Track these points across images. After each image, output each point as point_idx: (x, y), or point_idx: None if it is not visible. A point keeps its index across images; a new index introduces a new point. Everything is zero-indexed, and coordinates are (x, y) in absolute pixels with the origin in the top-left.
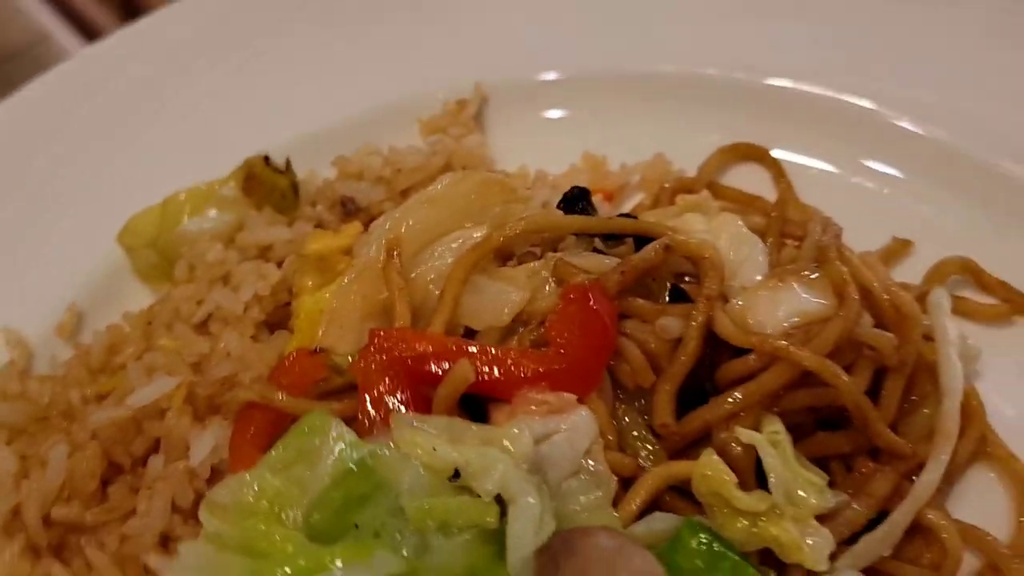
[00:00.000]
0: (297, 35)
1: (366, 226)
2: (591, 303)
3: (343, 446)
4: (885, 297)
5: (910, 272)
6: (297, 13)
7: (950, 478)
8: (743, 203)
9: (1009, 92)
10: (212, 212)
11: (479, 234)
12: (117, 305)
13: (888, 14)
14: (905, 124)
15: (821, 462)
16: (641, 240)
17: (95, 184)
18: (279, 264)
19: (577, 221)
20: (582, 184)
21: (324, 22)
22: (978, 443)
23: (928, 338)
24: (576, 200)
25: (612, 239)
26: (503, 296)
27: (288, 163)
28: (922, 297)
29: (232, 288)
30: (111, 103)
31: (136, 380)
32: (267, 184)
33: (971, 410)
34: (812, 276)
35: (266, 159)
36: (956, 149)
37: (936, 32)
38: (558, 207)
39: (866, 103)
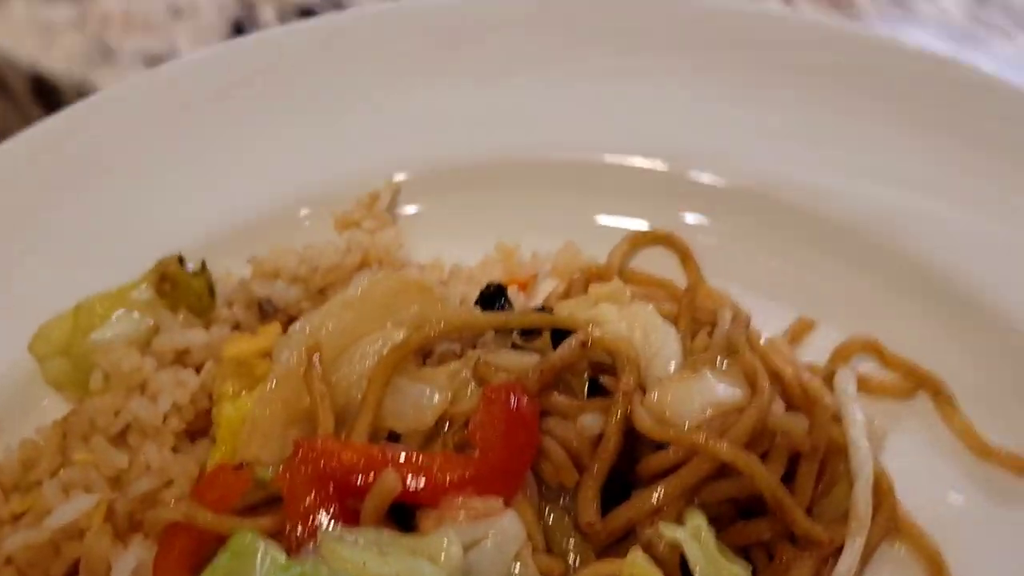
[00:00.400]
0: (204, 133)
1: (284, 327)
2: (512, 405)
3: (272, 568)
4: (795, 382)
5: (816, 349)
6: (203, 112)
7: (865, 558)
8: (654, 287)
9: (909, 178)
10: (126, 317)
11: (398, 335)
12: (31, 417)
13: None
14: (804, 204)
15: (743, 549)
16: (558, 332)
17: (2, 290)
18: (197, 369)
19: (495, 318)
20: (496, 275)
21: (231, 120)
22: (890, 522)
23: (837, 419)
24: (493, 297)
25: (529, 333)
26: (425, 398)
27: (203, 264)
28: (829, 377)
29: (150, 397)
30: (16, 206)
31: (53, 498)
32: (182, 285)
33: (881, 490)
34: (724, 366)
35: (180, 259)
36: (854, 228)
37: (831, 115)
38: (476, 304)
39: (772, 184)
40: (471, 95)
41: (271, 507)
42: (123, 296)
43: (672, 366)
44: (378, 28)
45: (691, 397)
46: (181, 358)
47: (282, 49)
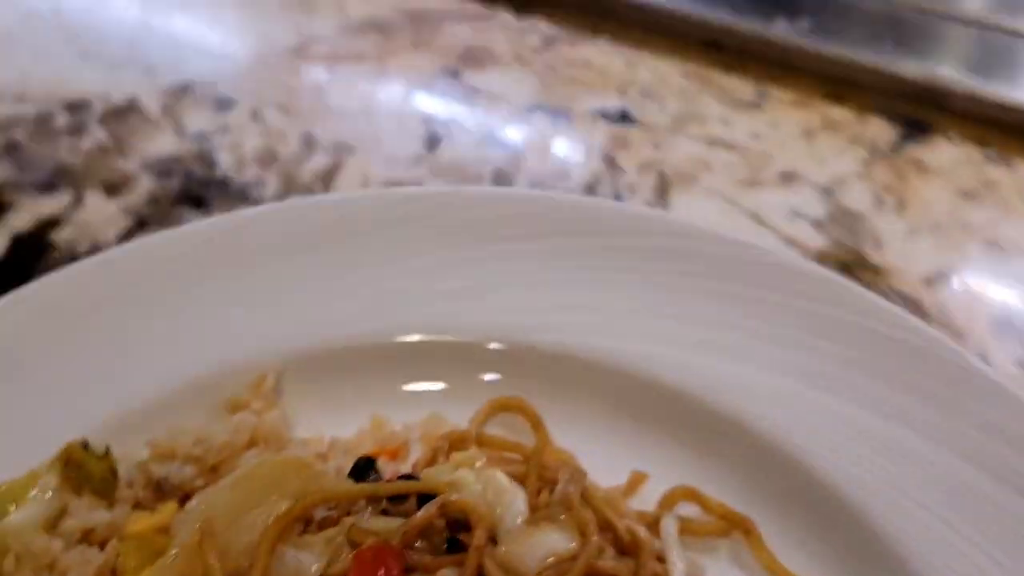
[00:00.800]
0: (102, 330)
1: (181, 502)
2: (381, 564)
3: None
4: (623, 530)
5: (648, 497)
6: (98, 313)
7: None
8: (507, 450)
9: (725, 347)
10: (36, 501)
11: (282, 507)
12: None
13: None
14: (638, 372)
15: None
16: (423, 496)
17: None
18: (102, 545)
19: (365, 488)
20: (370, 445)
21: (128, 319)
22: None
23: (662, 560)
24: (364, 470)
25: (398, 498)
26: (305, 563)
27: (107, 449)
28: (655, 522)
29: None
30: None
31: None
32: (86, 469)
33: None
34: (562, 519)
35: (85, 444)
36: (680, 392)
37: (655, 293)
38: (349, 476)
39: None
40: (340, 286)
41: None
42: (32, 481)
43: (520, 520)
44: (249, 229)
45: (534, 548)
46: (87, 537)
47: (173, 248)
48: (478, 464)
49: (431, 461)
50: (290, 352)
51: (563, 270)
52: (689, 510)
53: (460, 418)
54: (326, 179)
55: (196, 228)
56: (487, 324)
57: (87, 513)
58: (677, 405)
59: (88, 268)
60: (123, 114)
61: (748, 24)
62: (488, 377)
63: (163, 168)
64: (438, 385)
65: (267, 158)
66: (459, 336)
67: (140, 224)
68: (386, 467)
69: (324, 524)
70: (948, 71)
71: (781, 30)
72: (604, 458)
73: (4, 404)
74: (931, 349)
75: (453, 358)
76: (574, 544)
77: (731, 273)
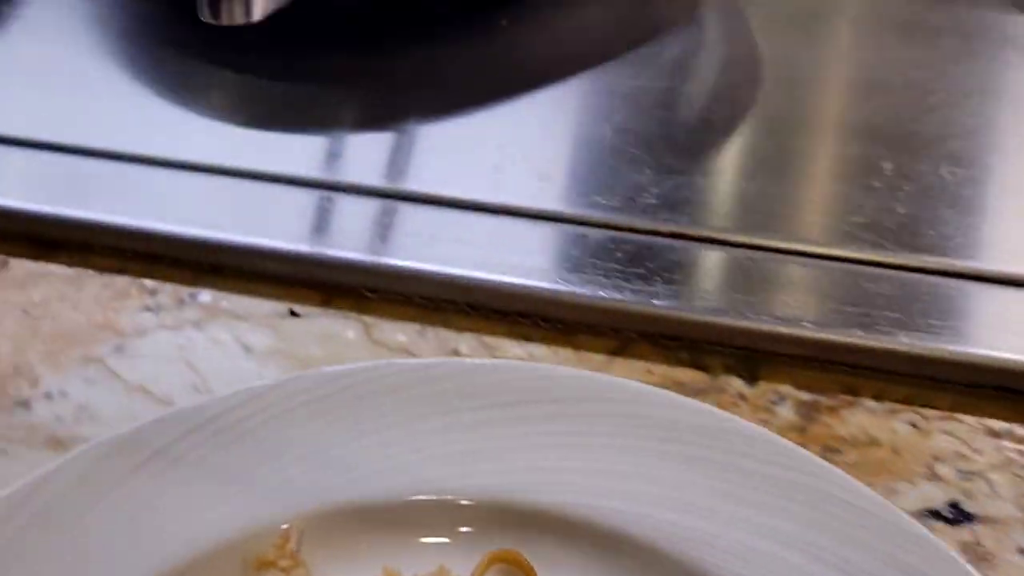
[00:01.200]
0: (140, 490)
1: None
2: None
3: None
4: None
5: None
6: (132, 474)
7: None
8: None
9: (683, 503)
10: None
11: None
12: None
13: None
14: (611, 525)
15: None
16: None
17: None
18: None
19: None
20: None
21: (163, 485)
22: None
23: None
24: None
25: None
26: None
27: None
28: None
29: None
30: None
31: None
32: None
33: None
34: None
35: None
36: (635, 539)
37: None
38: None
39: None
40: (352, 449)
41: None
42: None
43: None
44: (263, 400)
45: None
46: None
47: (203, 418)
48: None
49: None
50: (309, 512)
51: (552, 435)
52: None
53: (464, 570)
54: None
55: (220, 401)
56: (486, 484)
57: None
58: (646, 557)
59: (124, 439)
60: None
61: None
62: (488, 531)
63: None
64: (443, 539)
65: None
66: (463, 496)
67: None
68: None
69: None
70: None
71: None
72: None
73: (60, 564)
74: (889, 518)
75: (460, 515)
76: None
77: (698, 439)
